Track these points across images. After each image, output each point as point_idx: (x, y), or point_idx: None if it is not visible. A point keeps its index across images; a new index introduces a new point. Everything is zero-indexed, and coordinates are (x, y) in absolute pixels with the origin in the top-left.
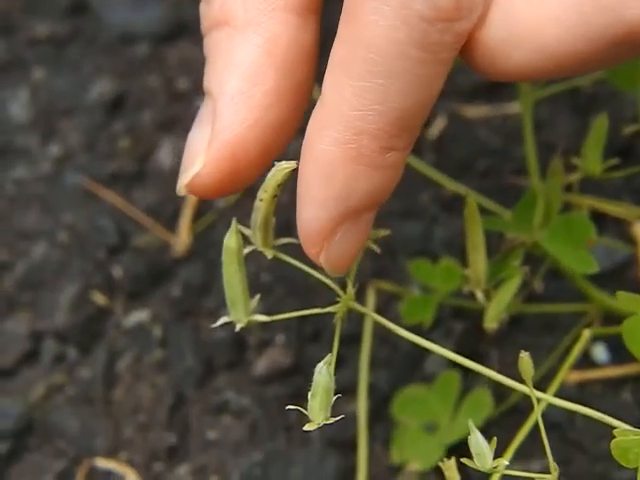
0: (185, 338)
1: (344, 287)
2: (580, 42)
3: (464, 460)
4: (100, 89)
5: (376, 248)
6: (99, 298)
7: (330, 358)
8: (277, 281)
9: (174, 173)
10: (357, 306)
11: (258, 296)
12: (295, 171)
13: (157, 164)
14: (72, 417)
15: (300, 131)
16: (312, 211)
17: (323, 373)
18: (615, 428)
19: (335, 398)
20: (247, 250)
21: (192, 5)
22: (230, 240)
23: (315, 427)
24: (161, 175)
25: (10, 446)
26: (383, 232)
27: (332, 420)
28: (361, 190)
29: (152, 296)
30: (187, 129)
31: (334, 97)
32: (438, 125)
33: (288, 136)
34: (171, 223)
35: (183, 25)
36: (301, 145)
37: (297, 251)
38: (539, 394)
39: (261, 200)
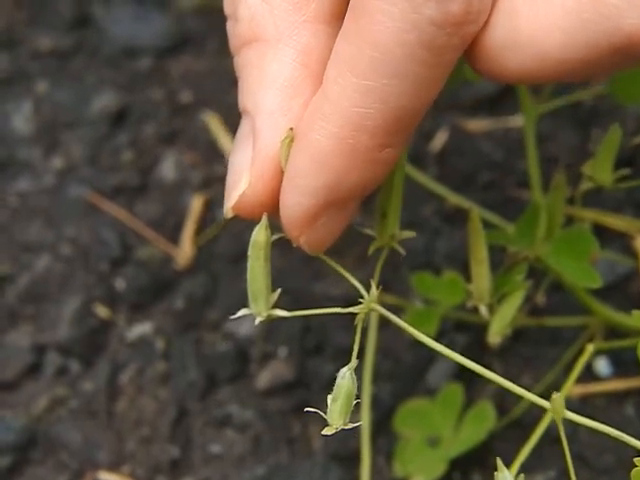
0: (188, 351)
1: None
2: (580, 49)
3: None
4: (103, 102)
5: (401, 250)
6: (102, 311)
7: (353, 363)
8: (280, 294)
9: (177, 186)
10: (379, 308)
11: (279, 290)
12: None
13: (160, 177)
14: (75, 430)
15: None
16: (298, 197)
17: (346, 378)
18: (621, 442)
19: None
20: (275, 237)
21: (196, 19)
22: (259, 234)
23: (333, 432)
24: (164, 188)
25: (13, 459)
26: (407, 234)
27: (351, 426)
28: (351, 183)
29: (155, 309)
30: (190, 142)
31: (336, 91)
32: (440, 138)
33: None
34: (174, 235)
35: (186, 38)
36: None
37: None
38: (547, 403)
39: None
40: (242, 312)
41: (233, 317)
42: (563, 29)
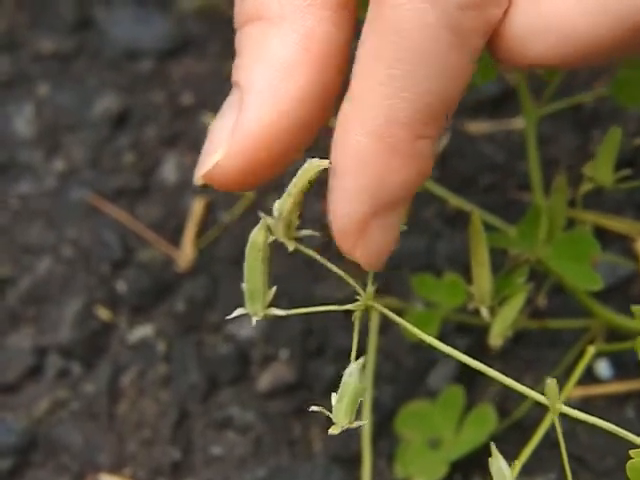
0: (189, 353)
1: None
2: (600, 31)
3: None
4: (105, 104)
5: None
6: (103, 313)
7: (362, 361)
8: (280, 295)
9: (178, 188)
10: (377, 305)
11: (275, 288)
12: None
13: (161, 179)
14: (76, 432)
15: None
16: (346, 205)
17: (354, 376)
18: (621, 444)
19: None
20: (273, 238)
21: (197, 21)
22: (258, 235)
23: (339, 430)
24: (165, 190)
25: (13, 462)
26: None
27: (357, 424)
28: (395, 181)
29: (156, 311)
30: (191, 144)
31: (363, 86)
32: (441, 140)
33: (313, 134)
34: (175, 238)
35: (188, 41)
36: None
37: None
38: (560, 405)
39: (289, 194)
40: (239, 312)
41: (229, 317)
42: (585, 11)
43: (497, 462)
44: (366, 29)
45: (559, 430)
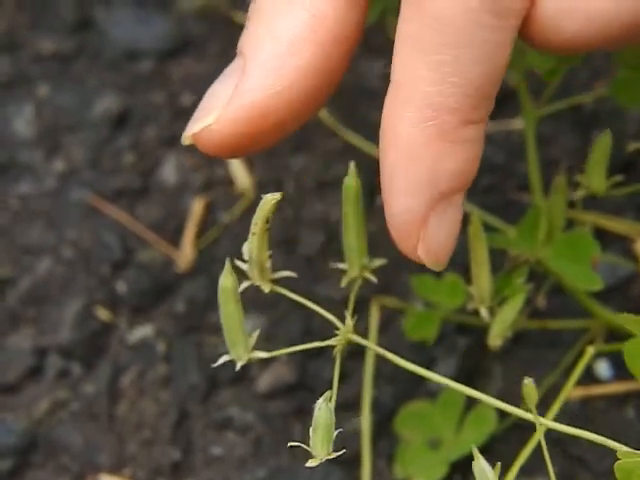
0: (189, 353)
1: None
2: (624, 12)
3: None
4: (105, 105)
5: (373, 278)
6: (103, 313)
7: (329, 394)
8: (281, 296)
9: (178, 188)
10: (357, 339)
11: (257, 331)
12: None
13: (161, 180)
14: (76, 433)
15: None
16: (401, 201)
17: (322, 409)
18: (623, 441)
19: (336, 433)
20: (244, 285)
21: (197, 22)
22: (225, 281)
23: (318, 463)
24: (165, 191)
25: (13, 463)
26: (379, 262)
27: (334, 455)
28: (448, 170)
29: (156, 311)
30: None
31: (408, 76)
32: None
33: (308, 114)
34: (175, 238)
35: (188, 41)
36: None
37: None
38: (543, 420)
39: (254, 234)
40: (223, 359)
41: (215, 365)
42: None
43: (479, 463)
44: (404, 16)
45: (545, 447)
